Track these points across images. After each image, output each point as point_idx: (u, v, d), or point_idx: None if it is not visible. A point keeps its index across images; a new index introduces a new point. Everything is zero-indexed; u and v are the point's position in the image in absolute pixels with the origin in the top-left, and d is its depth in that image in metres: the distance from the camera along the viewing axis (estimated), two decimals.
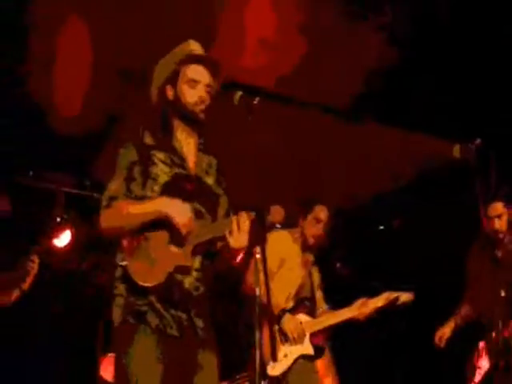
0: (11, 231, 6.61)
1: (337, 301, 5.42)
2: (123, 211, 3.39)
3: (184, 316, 3.40)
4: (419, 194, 6.72)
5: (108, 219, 3.41)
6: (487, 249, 5.26)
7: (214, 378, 3.44)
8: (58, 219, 6.35)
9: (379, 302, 5.08)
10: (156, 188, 3.45)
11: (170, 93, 3.56)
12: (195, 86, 3.53)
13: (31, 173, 6.62)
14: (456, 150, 4.23)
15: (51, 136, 5.83)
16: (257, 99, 3.44)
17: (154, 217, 3.36)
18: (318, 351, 5.18)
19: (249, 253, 3.40)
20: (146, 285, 3.33)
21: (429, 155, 5.70)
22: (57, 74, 5.61)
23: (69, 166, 6.71)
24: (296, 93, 5.87)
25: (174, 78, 3.56)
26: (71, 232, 6.76)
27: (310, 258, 5.44)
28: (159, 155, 3.49)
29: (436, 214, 6.73)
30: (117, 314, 3.38)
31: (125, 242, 3.40)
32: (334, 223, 5.38)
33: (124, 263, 3.36)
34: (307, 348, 5.14)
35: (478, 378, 5.03)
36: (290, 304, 5.22)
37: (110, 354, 5.73)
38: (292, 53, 5.72)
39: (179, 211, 3.37)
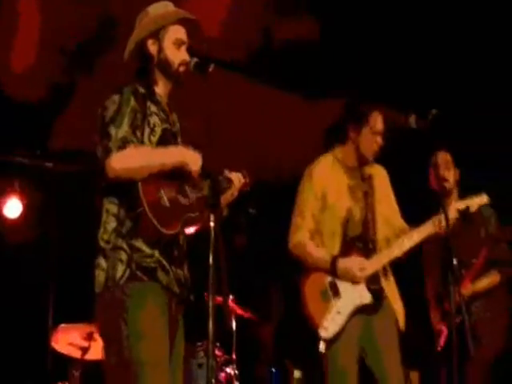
0: None
1: None
2: (144, 153, 3.40)
3: (181, 273, 3.51)
4: None
5: (125, 160, 3.33)
6: None
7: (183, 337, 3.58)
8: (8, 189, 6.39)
9: (450, 214, 4.49)
10: (153, 139, 3.49)
11: (152, 47, 3.63)
12: (180, 47, 3.64)
13: None
14: (412, 120, 4.36)
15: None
16: (212, 66, 3.55)
17: (174, 164, 3.43)
18: (377, 296, 4.52)
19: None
20: (169, 232, 3.32)
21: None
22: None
23: (20, 136, 6.77)
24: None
25: (158, 34, 3.62)
26: (22, 203, 6.82)
27: (373, 175, 4.78)
28: (152, 107, 3.54)
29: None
30: (119, 270, 3.34)
31: (140, 189, 3.30)
32: None
33: (140, 209, 3.30)
34: (363, 296, 4.50)
35: (442, 341, 5.17)
36: (335, 249, 4.58)
37: (62, 325, 5.79)
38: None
39: (194, 160, 3.48)
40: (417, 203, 5.00)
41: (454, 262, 4.39)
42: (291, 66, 6.35)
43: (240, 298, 6.24)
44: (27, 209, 7.06)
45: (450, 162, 5.32)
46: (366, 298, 4.49)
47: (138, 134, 3.43)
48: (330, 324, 4.43)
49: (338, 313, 4.45)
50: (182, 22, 3.67)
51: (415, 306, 4.90)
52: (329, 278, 4.53)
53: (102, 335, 3.49)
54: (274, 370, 7.19)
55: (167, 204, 3.39)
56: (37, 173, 6.62)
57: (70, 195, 6.28)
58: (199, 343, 5.81)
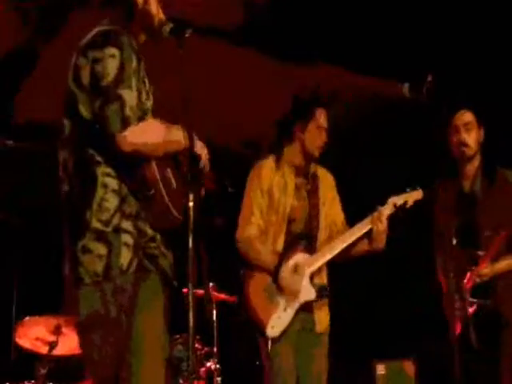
0: None
1: None
2: (163, 129, 3.09)
3: (171, 256, 3.22)
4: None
5: (147, 135, 3.03)
6: (452, 187, 4.73)
7: None
8: None
9: (387, 210, 4.59)
10: (149, 105, 3.20)
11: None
12: (159, 5, 3.36)
13: None
14: (405, 90, 4.16)
15: None
16: (189, 31, 3.28)
17: (187, 145, 3.08)
18: (321, 292, 4.60)
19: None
20: (180, 217, 3.07)
21: (376, 95, 5.67)
22: None
23: None
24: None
25: None
26: None
27: (317, 174, 4.84)
28: (142, 68, 3.20)
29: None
30: (126, 256, 3.01)
31: (155, 168, 3.02)
32: None
33: (152, 191, 3.02)
34: (308, 293, 4.56)
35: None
36: (279, 246, 4.66)
37: (27, 318, 5.54)
38: None
39: (199, 145, 3.19)
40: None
41: (454, 241, 4.26)
42: (275, 32, 6.15)
43: (220, 283, 6.01)
44: None
45: (471, 122, 4.68)
46: (310, 294, 4.53)
47: (142, 99, 3.12)
48: (276, 323, 4.46)
49: (285, 310, 4.50)
50: None
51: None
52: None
53: (85, 330, 3.09)
54: (258, 363, 6.93)
55: (175, 186, 3.13)
56: None
57: (35, 177, 5.96)
58: (177, 335, 5.57)
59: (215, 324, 5.95)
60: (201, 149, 3.27)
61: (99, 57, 3.04)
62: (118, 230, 3.01)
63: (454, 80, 4.99)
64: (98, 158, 3.05)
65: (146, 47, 3.39)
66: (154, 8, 3.34)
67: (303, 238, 4.63)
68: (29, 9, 5.28)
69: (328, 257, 4.60)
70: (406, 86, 4.13)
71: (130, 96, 3.00)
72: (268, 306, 4.50)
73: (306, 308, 4.54)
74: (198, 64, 3.76)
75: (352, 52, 6.02)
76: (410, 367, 6.30)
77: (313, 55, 6.01)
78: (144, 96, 3.14)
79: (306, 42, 5.91)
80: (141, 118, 3.04)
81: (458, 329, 4.45)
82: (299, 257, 4.56)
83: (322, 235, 4.72)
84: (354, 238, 4.59)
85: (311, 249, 4.63)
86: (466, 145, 4.63)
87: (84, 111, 3.07)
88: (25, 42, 5.39)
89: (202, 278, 3.15)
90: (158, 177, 3.04)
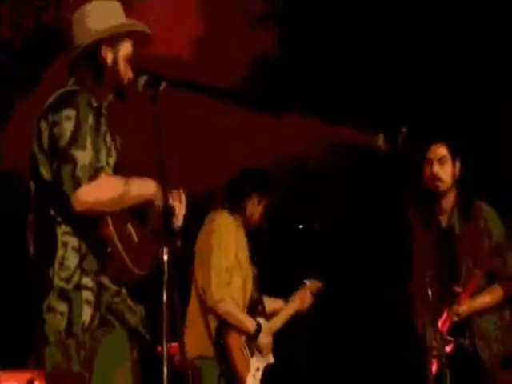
0: None
1: None
2: (119, 185, 3.12)
3: (142, 310, 3.26)
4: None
5: (98, 193, 3.05)
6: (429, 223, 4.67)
7: None
8: None
9: (312, 287, 5.07)
10: (111, 162, 3.23)
11: (109, 55, 3.36)
12: (128, 65, 3.41)
13: None
14: (380, 140, 4.20)
15: None
16: (163, 84, 3.34)
17: (148, 197, 3.21)
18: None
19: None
20: (141, 272, 3.11)
21: (350, 146, 5.72)
22: None
23: None
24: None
25: (112, 42, 3.37)
26: None
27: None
28: (103, 124, 3.24)
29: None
30: (87, 313, 3.06)
31: (110, 224, 3.06)
32: None
33: (110, 249, 3.05)
34: (270, 357, 4.85)
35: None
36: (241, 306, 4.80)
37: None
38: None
39: (159, 197, 3.22)
40: None
41: (429, 292, 4.20)
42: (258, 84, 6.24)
43: None
44: None
45: (445, 156, 4.60)
46: (271, 357, 4.81)
47: (100, 158, 3.15)
48: (251, 381, 4.65)
49: (257, 370, 4.71)
50: (133, 36, 3.45)
51: None
52: (243, 337, 4.71)
53: None
54: None
55: (136, 240, 3.15)
56: None
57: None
58: None
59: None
60: (177, 201, 3.33)
61: (56, 119, 3.13)
62: (78, 287, 3.06)
63: (428, 129, 5.05)
64: (59, 218, 3.13)
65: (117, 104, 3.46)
66: (123, 68, 3.39)
67: (260, 303, 4.86)
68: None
69: (278, 325, 4.92)
70: (381, 136, 4.16)
71: (82, 156, 3.05)
72: (245, 363, 4.65)
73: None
74: (173, 117, 3.79)
75: (326, 102, 6.08)
76: None
77: (287, 106, 6.07)
78: (104, 153, 3.18)
79: (280, 92, 5.96)
80: (92, 177, 3.05)
81: (434, 369, 4.40)
82: (262, 321, 4.77)
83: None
84: (293, 312, 4.99)
85: (265, 314, 4.89)
86: (439, 179, 4.57)
87: (45, 173, 3.16)
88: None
89: (177, 333, 3.20)
90: (115, 233, 3.06)
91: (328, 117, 5.98)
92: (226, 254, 4.65)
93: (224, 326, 4.63)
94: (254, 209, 4.83)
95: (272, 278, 5.20)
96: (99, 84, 3.35)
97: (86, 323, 3.05)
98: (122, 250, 3.05)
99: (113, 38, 3.36)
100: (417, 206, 4.56)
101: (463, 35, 6.32)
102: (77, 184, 3.02)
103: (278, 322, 4.93)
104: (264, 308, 4.91)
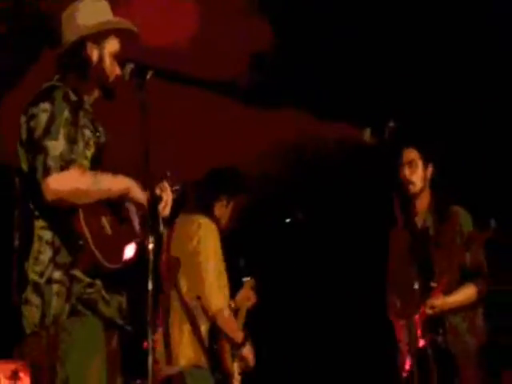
0: None
1: None
2: (90, 177, 3.18)
3: (122, 300, 3.29)
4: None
5: (68, 183, 3.10)
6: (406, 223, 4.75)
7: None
8: None
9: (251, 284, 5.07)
10: (88, 154, 3.27)
11: (94, 52, 3.40)
12: (115, 61, 3.44)
13: None
14: (366, 134, 4.21)
15: None
16: (150, 73, 3.35)
17: (121, 191, 3.24)
18: None
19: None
20: (113, 266, 3.14)
21: (336, 140, 5.74)
22: None
23: None
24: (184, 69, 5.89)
25: (100, 40, 3.41)
26: None
27: None
28: (83, 118, 3.29)
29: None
30: (57, 305, 3.11)
31: (81, 217, 3.09)
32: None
33: (81, 242, 3.08)
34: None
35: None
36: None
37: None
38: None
39: (140, 192, 3.26)
40: None
41: (416, 286, 4.27)
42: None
43: None
44: None
45: (414, 160, 4.70)
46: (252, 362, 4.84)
47: (75, 150, 3.20)
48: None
49: (239, 374, 4.79)
50: (120, 33, 3.48)
51: None
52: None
53: (33, 377, 3.24)
54: None
55: (109, 233, 3.17)
56: None
57: None
58: (138, 381, 5.48)
59: None
60: (165, 191, 3.37)
61: (34, 113, 3.20)
62: (50, 281, 3.11)
63: (415, 124, 5.08)
64: (36, 212, 3.18)
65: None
66: (109, 65, 3.42)
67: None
68: None
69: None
70: (368, 130, 4.16)
71: (53, 146, 3.11)
72: (231, 366, 4.75)
73: None
74: (161, 107, 3.79)
75: (317, 97, 6.10)
76: None
77: (277, 99, 6.09)
78: (81, 146, 3.23)
79: (271, 85, 5.97)
80: (63, 168, 3.11)
81: (408, 364, 4.48)
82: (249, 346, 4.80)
83: None
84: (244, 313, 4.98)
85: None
86: (409, 182, 4.67)
87: (24, 167, 3.23)
88: None
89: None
90: (85, 226, 3.08)
91: (319, 111, 5.99)
92: (220, 258, 4.62)
93: (216, 331, 4.63)
94: (223, 211, 4.77)
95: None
96: (84, 80, 3.40)
97: (57, 315, 3.10)
98: (92, 244, 3.07)
99: (99, 35, 3.40)
100: (400, 205, 4.64)
101: (449, 35, 6.35)
102: (46, 173, 3.08)
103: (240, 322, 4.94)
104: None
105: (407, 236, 4.72)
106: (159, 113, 3.48)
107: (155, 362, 3.87)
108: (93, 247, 3.07)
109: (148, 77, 3.34)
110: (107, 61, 3.42)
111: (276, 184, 6.55)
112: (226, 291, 4.62)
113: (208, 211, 4.71)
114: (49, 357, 3.11)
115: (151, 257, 3.14)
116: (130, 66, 3.39)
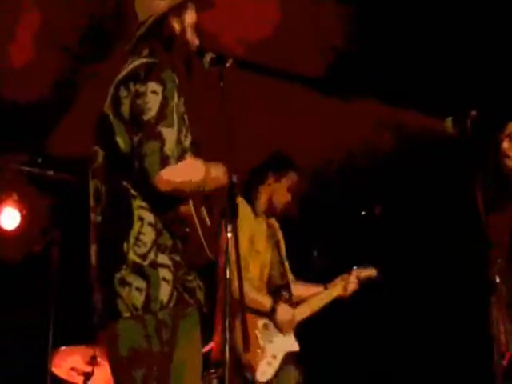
0: None
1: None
2: (202, 167, 3.07)
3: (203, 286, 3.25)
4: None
5: (186, 174, 3.01)
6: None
7: None
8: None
9: (361, 274, 5.02)
10: (187, 144, 3.13)
11: (176, 26, 3.30)
12: (195, 32, 3.37)
13: None
14: (448, 124, 4.12)
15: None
16: (230, 61, 3.34)
17: (226, 182, 3.16)
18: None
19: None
20: (212, 257, 3.13)
21: (417, 130, 5.67)
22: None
23: (19, 142, 6.55)
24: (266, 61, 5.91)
25: (179, 12, 3.31)
26: (21, 213, 6.59)
27: (275, 227, 5.00)
28: (182, 104, 3.14)
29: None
30: (165, 291, 2.99)
31: (192, 206, 3.03)
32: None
33: (187, 229, 3.04)
34: (293, 344, 4.76)
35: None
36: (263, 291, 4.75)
37: (63, 348, 5.59)
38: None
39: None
40: None
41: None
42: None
43: None
44: (25, 220, 6.76)
45: None
46: (295, 345, 4.73)
47: (182, 139, 3.09)
48: (267, 368, 4.56)
49: (274, 357, 4.61)
50: (196, 7, 3.39)
51: None
52: (262, 322, 4.66)
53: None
54: None
55: (209, 224, 3.17)
56: (37, 181, 6.41)
57: (73, 206, 6.07)
58: (212, 370, 5.55)
59: None
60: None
61: (141, 91, 3.03)
62: (154, 265, 2.99)
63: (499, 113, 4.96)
64: (133, 192, 3.04)
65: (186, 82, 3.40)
66: (190, 35, 3.34)
67: (285, 290, 4.81)
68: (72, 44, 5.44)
69: (308, 313, 4.86)
70: (449, 120, 4.08)
71: (170, 134, 2.98)
72: (257, 351, 4.57)
73: (287, 359, 4.68)
74: (240, 96, 3.80)
75: (392, 86, 6.06)
76: None
77: (353, 90, 6.07)
78: (183, 134, 3.11)
79: (351, 76, 5.96)
80: (180, 157, 3.01)
81: (505, 363, 4.10)
82: (286, 307, 4.72)
83: (292, 287, 4.87)
84: (330, 298, 4.92)
85: (291, 302, 4.81)
86: (506, 155, 4.34)
87: (122, 143, 3.07)
88: (68, 76, 5.54)
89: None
90: (195, 215, 3.05)
91: (394, 101, 5.96)
92: (241, 241, 4.63)
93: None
94: (269, 190, 4.83)
95: (332, 265, 5.21)
96: (170, 55, 3.30)
97: (165, 301, 2.98)
98: (200, 233, 3.04)
99: (180, 7, 3.30)
100: (487, 191, 4.33)
101: None
102: (164, 163, 2.94)
103: (306, 308, 4.88)
104: (291, 295, 4.84)
105: (505, 220, 4.31)
106: (238, 103, 3.48)
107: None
108: (201, 236, 3.05)
109: (227, 65, 3.32)
110: (189, 32, 3.34)
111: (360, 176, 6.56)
112: (246, 273, 4.49)
113: (254, 195, 4.82)
114: (156, 344, 2.97)
115: (229, 246, 3.12)
116: (209, 55, 3.35)
